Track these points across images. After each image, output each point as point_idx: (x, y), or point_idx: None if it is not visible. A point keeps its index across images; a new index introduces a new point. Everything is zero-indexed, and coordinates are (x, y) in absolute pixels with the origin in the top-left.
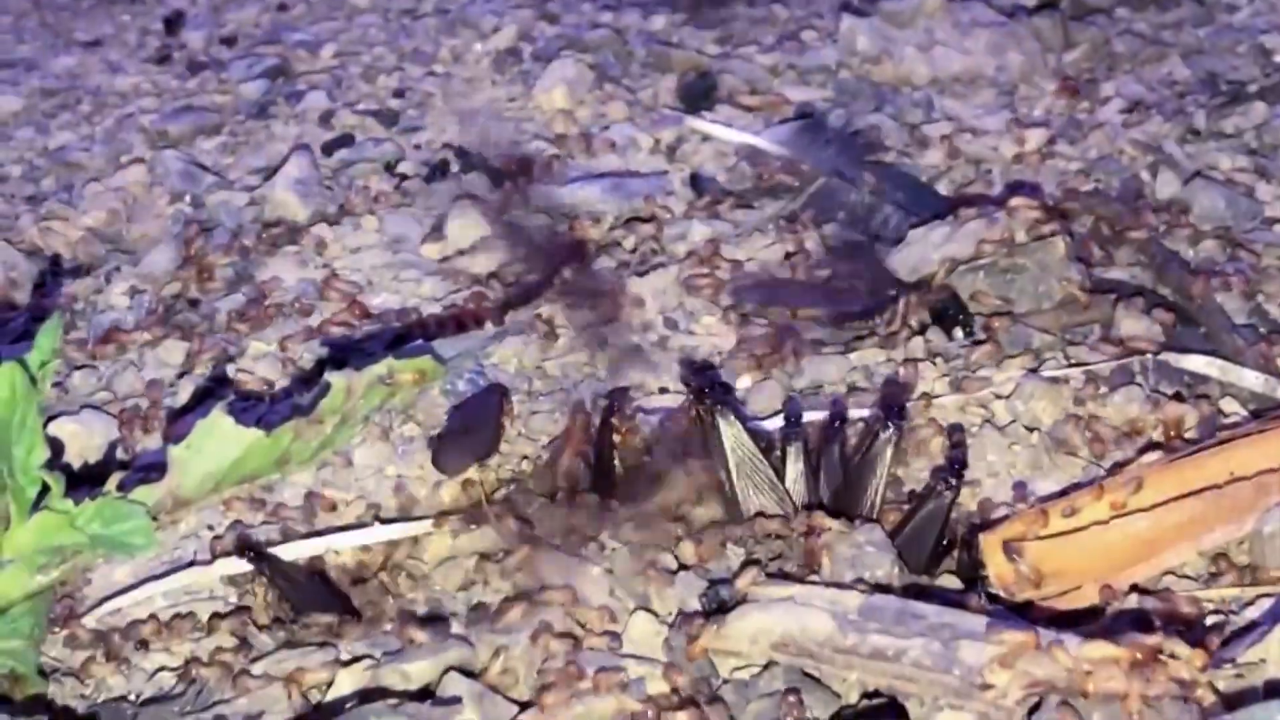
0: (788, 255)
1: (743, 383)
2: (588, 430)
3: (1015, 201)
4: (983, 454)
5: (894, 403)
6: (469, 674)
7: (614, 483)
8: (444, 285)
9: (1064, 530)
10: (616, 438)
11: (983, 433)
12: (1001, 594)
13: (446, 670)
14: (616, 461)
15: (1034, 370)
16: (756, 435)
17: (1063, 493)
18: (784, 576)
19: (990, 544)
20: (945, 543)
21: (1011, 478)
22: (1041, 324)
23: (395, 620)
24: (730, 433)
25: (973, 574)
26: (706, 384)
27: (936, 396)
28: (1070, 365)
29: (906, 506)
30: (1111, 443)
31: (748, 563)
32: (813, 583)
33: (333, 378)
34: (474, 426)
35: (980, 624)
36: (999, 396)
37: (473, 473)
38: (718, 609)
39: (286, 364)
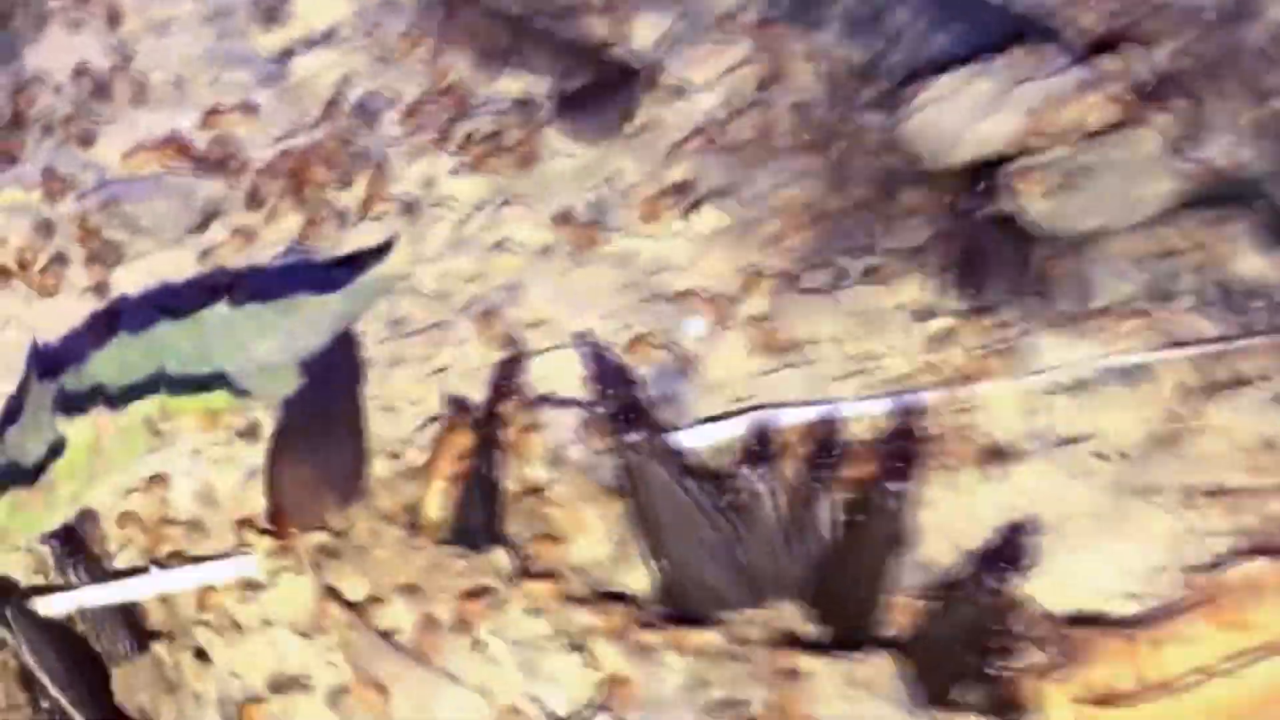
0: (761, 84)
1: (693, 327)
2: (466, 436)
3: (1104, 62)
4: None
5: (909, 438)
6: None
7: (498, 517)
8: (287, 105)
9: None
10: (506, 438)
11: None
12: None
13: None
14: (505, 482)
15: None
16: (700, 481)
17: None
18: None
19: (1052, 698)
20: (978, 667)
21: (1093, 555)
22: (1122, 265)
23: None
24: (657, 483)
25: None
26: (621, 405)
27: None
28: (1170, 344)
29: (925, 599)
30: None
31: None
32: None
33: (71, 426)
34: (328, 440)
35: None
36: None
37: None
38: None
39: (49, 229)
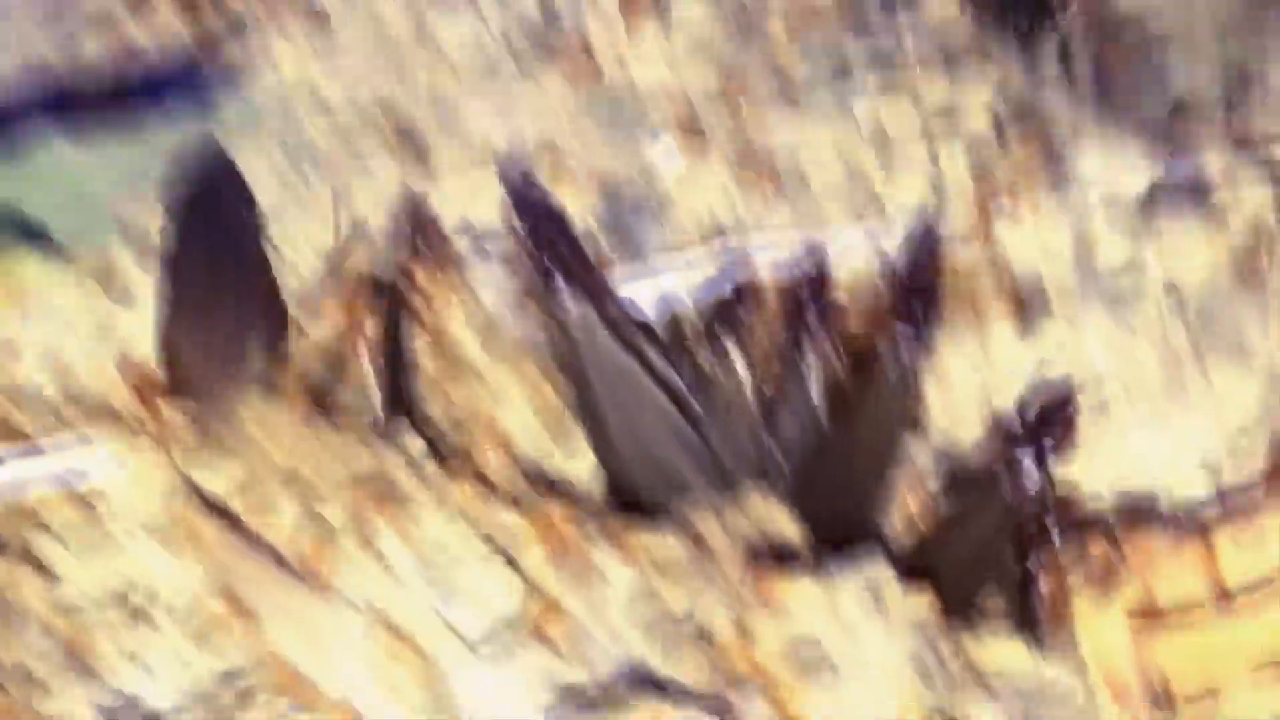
0: None
1: (663, 150)
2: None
3: None
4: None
5: (924, 280)
6: None
7: (411, 395)
8: None
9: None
10: (422, 297)
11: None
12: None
13: None
14: (420, 352)
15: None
16: (656, 347)
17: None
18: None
19: (1092, 612)
20: (1009, 579)
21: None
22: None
23: None
24: (602, 352)
25: (1045, 639)
26: (557, 254)
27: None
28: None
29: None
30: None
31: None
32: None
33: None
34: (234, 296)
35: None
36: None
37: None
38: None
39: None
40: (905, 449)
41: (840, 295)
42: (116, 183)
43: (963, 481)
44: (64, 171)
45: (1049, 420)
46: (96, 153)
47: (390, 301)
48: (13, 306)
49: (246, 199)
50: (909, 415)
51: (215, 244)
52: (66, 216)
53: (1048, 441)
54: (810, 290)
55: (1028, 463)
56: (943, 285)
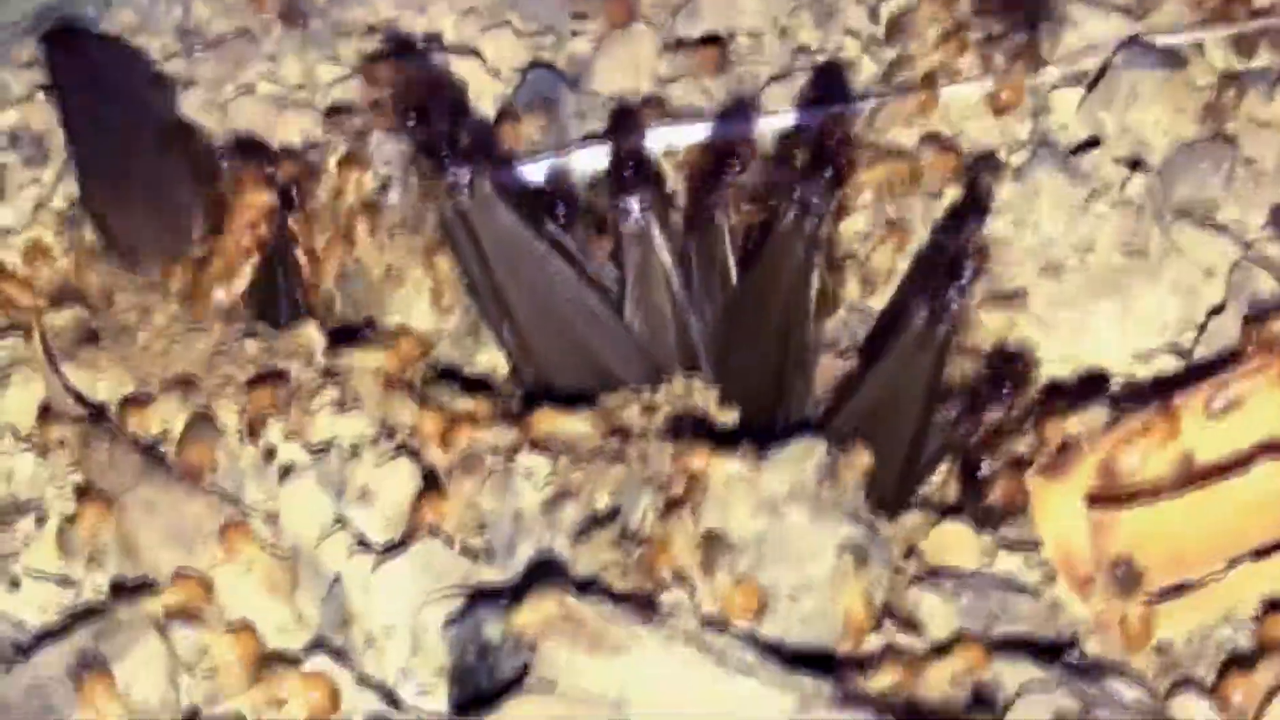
0: None
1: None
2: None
3: None
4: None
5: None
6: None
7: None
8: None
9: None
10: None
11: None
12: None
13: None
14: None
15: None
16: (559, 221)
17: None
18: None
19: (1047, 494)
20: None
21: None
22: None
23: None
24: (499, 229)
25: (995, 524)
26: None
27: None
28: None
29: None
30: None
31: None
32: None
33: None
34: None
35: None
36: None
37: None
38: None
39: None
40: (820, 320)
41: (758, 161)
42: None
43: (893, 346)
44: None
45: (962, 257)
46: None
47: (284, 191)
48: None
49: (148, 71)
50: (820, 285)
51: (126, 117)
52: None
53: (963, 278)
54: (729, 157)
55: (948, 296)
56: (851, 150)
